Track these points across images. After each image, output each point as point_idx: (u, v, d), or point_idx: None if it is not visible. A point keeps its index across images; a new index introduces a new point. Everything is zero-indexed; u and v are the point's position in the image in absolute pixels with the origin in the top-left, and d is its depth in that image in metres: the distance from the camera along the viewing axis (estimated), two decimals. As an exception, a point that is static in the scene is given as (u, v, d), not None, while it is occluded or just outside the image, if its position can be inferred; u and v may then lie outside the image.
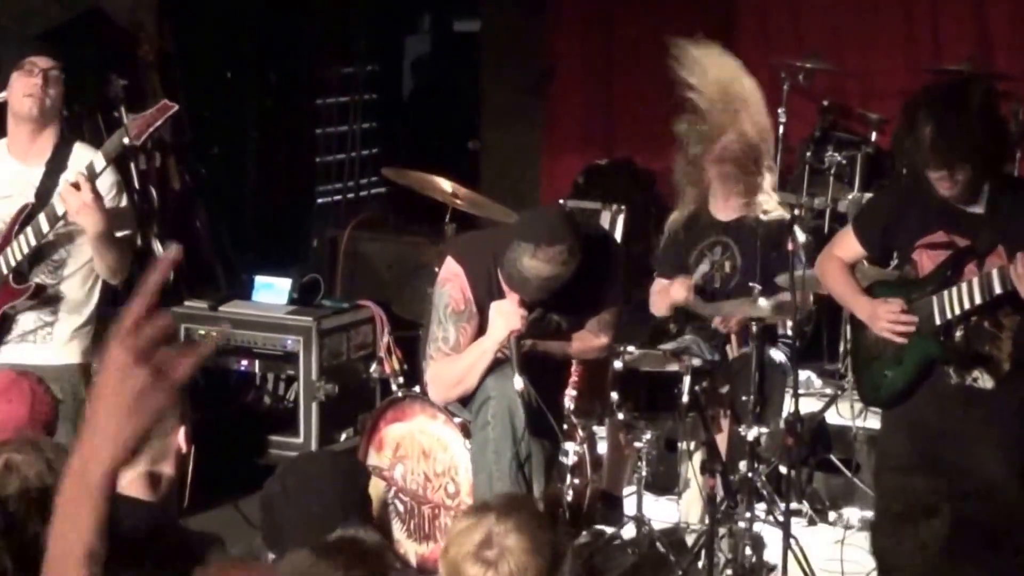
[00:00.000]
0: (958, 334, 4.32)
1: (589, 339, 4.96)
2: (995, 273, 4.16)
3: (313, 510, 3.14)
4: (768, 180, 5.81)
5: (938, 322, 4.31)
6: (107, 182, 4.65)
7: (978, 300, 4.22)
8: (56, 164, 4.70)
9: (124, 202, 4.77)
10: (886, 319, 4.37)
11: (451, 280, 4.81)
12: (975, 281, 4.21)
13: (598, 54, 9.26)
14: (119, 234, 4.66)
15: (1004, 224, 4.24)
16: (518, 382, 4.57)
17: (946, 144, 4.12)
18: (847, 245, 4.62)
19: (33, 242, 4.61)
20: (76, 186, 4.47)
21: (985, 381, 4.32)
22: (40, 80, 4.63)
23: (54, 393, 4.18)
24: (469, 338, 4.76)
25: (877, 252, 4.59)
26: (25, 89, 4.65)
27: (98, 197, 4.52)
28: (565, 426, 5.05)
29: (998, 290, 4.16)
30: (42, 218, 4.59)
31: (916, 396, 4.43)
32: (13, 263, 4.65)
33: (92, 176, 4.52)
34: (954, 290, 4.26)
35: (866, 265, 4.91)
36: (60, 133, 4.77)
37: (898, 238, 4.46)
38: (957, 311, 4.27)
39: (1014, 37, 7.87)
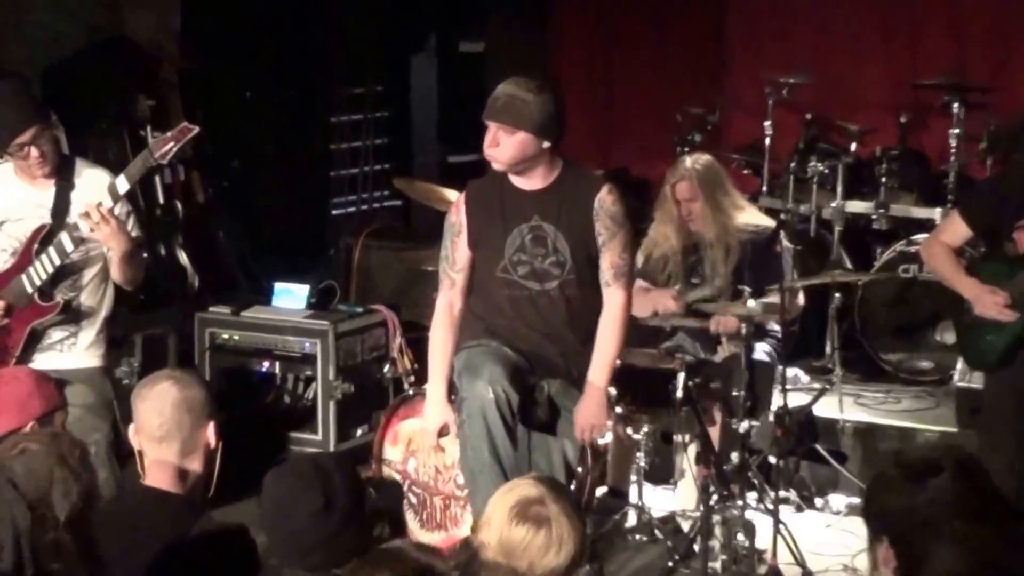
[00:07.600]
0: None
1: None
2: None
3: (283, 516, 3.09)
4: (738, 200, 5.89)
5: None
6: (122, 211, 4.69)
7: None
8: (65, 181, 4.72)
9: (134, 232, 4.77)
10: (990, 304, 4.82)
11: (453, 205, 4.93)
12: None
13: (597, 70, 9.36)
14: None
15: None
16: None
17: None
18: (951, 229, 5.06)
19: (57, 262, 4.66)
20: (103, 213, 4.52)
21: None
22: (35, 153, 4.62)
23: (63, 389, 4.17)
24: (459, 252, 4.80)
25: (981, 229, 4.99)
26: (27, 165, 4.66)
27: (122, 221, 4.59)
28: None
29: None
30: (65, 239, 4.63)
31: (1018, 362, 4.85)
32: (38, 282, 4.69)
33: (116, 199, 4.57)
34: None
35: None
36: (60, 152, 4.80)
37: (1001, 217, 4.89)
38: None
39: (990, 52, 8.01)
